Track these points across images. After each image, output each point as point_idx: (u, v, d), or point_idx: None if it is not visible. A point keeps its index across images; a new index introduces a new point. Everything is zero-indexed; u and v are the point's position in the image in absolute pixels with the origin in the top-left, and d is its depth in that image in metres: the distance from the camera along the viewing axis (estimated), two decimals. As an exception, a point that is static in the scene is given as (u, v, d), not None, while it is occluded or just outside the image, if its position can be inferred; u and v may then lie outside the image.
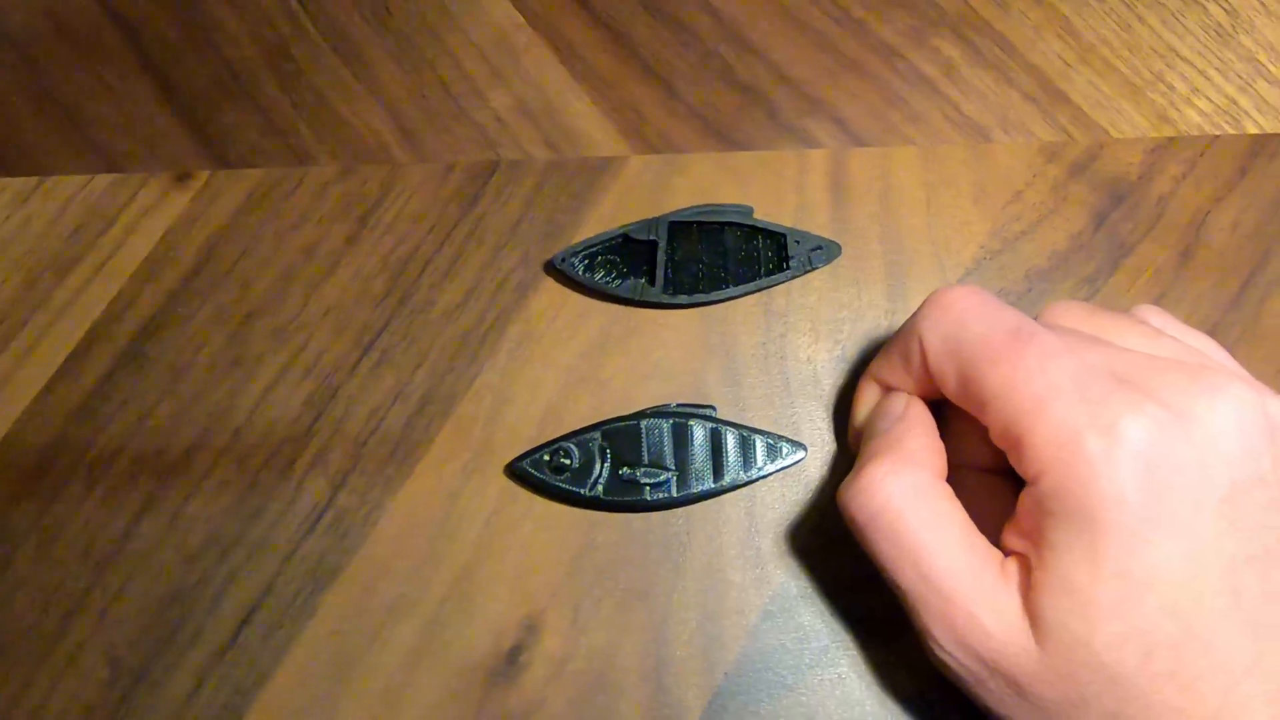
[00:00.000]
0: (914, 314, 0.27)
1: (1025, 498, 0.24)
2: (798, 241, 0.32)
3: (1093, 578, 0.22)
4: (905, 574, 0.24)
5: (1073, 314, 0.27)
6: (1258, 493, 0.23)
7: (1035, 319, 0.26)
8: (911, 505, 0.25)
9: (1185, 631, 0.22)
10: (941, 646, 0.24)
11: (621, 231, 0.32)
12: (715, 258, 0.33)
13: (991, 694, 0.24)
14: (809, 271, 0.32)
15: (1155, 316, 0.28)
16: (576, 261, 0.32)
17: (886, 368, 0.28)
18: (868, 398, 0.29)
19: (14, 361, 0.32)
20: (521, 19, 0.36)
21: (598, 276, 0.32)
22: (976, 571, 0.24)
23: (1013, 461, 0.24)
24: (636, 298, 0.32)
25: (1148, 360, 0.24)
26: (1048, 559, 0.23)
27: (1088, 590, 0.22)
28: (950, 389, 0.25)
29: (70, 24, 0.37)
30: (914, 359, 0.26)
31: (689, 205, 0.33)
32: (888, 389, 0.29)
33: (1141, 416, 0.22)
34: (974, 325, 0.25)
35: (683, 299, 0.32)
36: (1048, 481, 0.23)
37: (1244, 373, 0.26)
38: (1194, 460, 0.22)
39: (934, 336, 0.26)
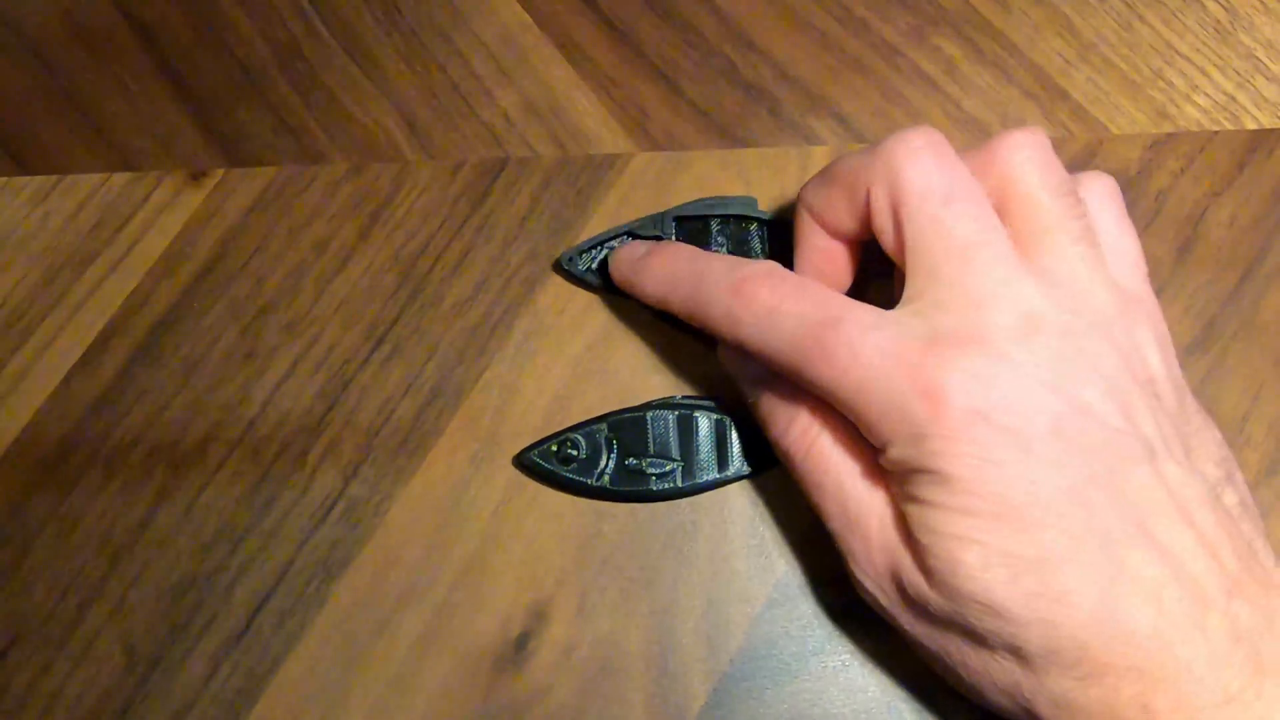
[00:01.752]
0: (718, 280, 0.27)
1: (881, 461, 0.25)
2: None
3: (945, 516, 0.23)
4: (823, 509, 0.27)
5: (1022, 152, 0.26)
6: (1085, 418, 0.23)
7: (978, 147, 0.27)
8: (824, 452, 0.27)
9: (1045, 553, 0.23)
10: (860, 569, 0.26)
11: (628, 228, 0.33)
12: (723, 251, 0.33)
13: (896, 611, 0.26)
14: None
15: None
16: (583, 259, 0.33)
17: (683, 312, 0.29)
18: (650, 291, 0.30)
19: (33, 355, 0.33)
20: (529, 19, 0.37)
21: (605, 274, 0.33)
22: (864, 505, 0.26)
23: (863, 432, 0.25)
24: None
25: (965, 300, 0.24)
26: (910, 510, 0.25)
27: (944, 527, 0.23)
28: (786, 375, 0.26)
29: (86, 25, 0.37)
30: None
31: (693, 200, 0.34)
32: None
33: (958, 367, 0.23)
34: (779, 323, 0.25)
35: None
36: (893, 451, 0.24)
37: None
38: (1016, 393, 0.23)
39: (751, 342, 0.26)
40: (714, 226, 0.33)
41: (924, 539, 0.24)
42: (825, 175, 0.28)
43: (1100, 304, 0.25)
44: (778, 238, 0.33)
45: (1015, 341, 0.24)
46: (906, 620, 0.26)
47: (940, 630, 0.25)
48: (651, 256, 0.30)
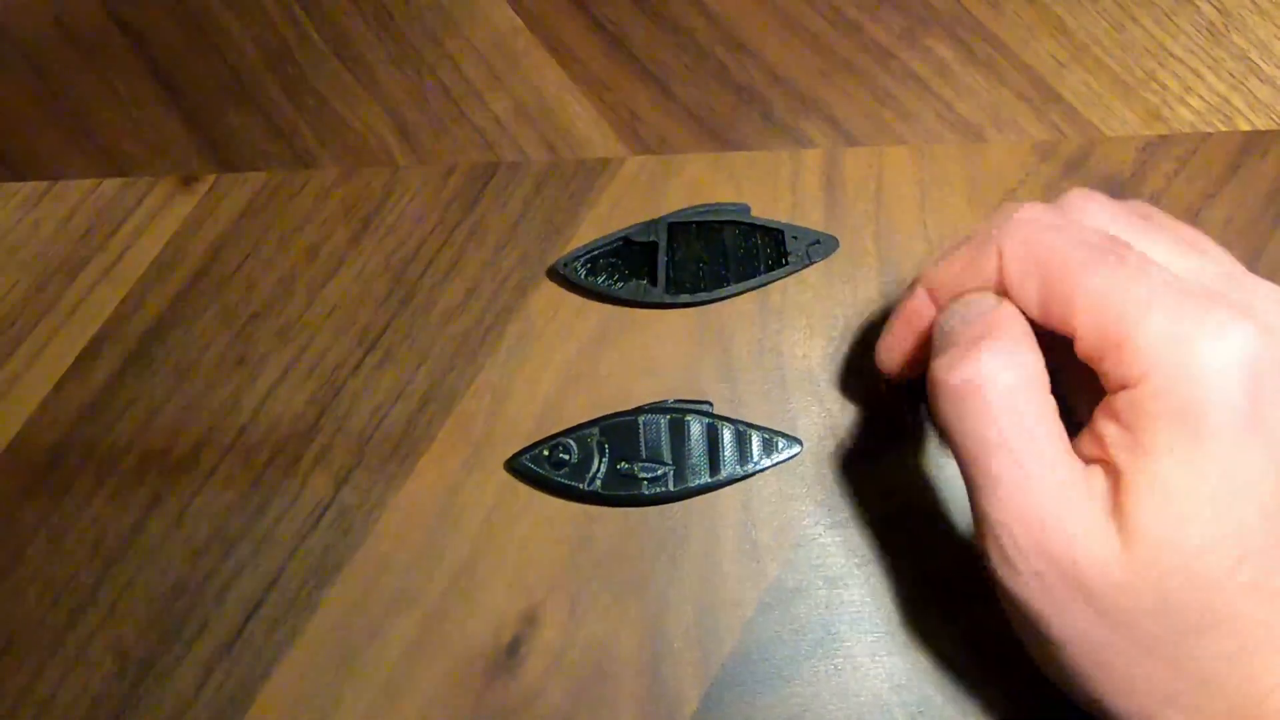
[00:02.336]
0: (983, 229, 0.25)
1: (1119, 401, 0.23)
2: (795, 237, 0.33)
3: (1192, 480, 0.22)
4: (997, 459, 0.23)
5: (1097, 211, 0.26)
6: None
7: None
8: (1022, 387, 0.23)
9: (1273, 544, 0.22)
10: (1018, 547, 0.23)
11: (621, 235, 0.33)
12: (715, 256, 0.33)
13: (1055, 606, 0.23)
14: (807, 266, 0.33)
15: (1156, 215, 0.27)
16: (578, 266, 0.33)
17: (946, 276, 0.26)
18: (919, 307, 0.27)
19: (25, 361, 0.33)
20: (520, 23, 0.37)
21: (599, 280, 0.33)
22: (1069, 470, 0.23)
23: (1108, 366, 0.23)
24: (639, 299, 0.33)
25: (1229, 274, 0.24)
26: (1144, 462, 0.22)
27: (1185, 492, 0.22)
28: (1030, 298, 0.24)
29: (77, 30, 0.37)
30: (985, 269, 0.25)
31: (684, 204, 0.34)
32: (941, 299, 0.27)
33: (1249, 325, 0.22)
34: (1063, 236, 0.24)
35: (684, 298, 0.33)
36: (1152, 383, 0.22)
37: None
38: None
39: (1015, 246, 0.24)
40: (708, 231, 0.33)
41: (1149, 500, 0.22)
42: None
43: None
44: (770, 243, 0.33)
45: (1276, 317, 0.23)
46: (1062, 614, 0.23)
47: (1127, 624, 0.22)
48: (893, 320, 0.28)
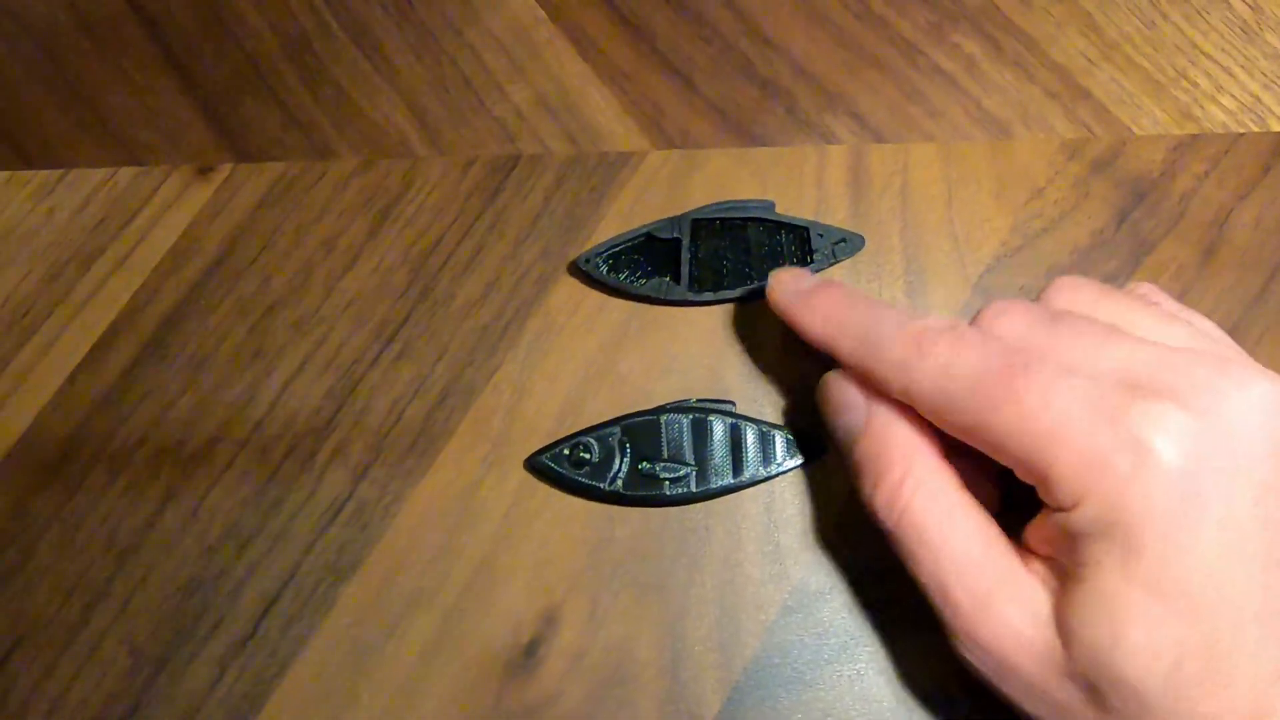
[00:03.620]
0: (892, 339, 0.25)
1: (1056, 519, 0.23)
2: (820, 235, 0.32)
3: (1123, 588, 0.22)
4: (931, 583, 0.25)
5: (1080, 294, 0.26)
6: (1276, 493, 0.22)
7: (1039, 297, 0.27)
8: (931, 511, 0.25)
9: (1214, 639, 0.22)
10: (968, 647, 0.24)
11: (644, 230, 0.32)
12: (739, 254, 0.32)
13: (1016, 691, 0.24)
14: (833, 264, 0.32)
15: (1154, 295, 0.27)
16: (600, 262, 0.32)
17: (850, 361, 0.27)
18: (813, 332, 0.28)
19: (38, 353, 0.33)
20: (542, 13, 0.36)
21: (622, 277, 0.32)
22: (1004, 571, 0.24)
23: (1041, 494, 0.23)
24: (662, 296, 0.32)
25: (1161, 356, 0.23)
26: (1081, 571, 0.23)
27: (1117, 600, 0.22)
28: (956, 433, 0.25)
29: (92, 17, 0.37)
30: (888, 392, 0.26)
31: (708, 200, 0.33)
32: (827, 350, 0.28)
33: (1166, 426, 0.22)
34: (962, 369, 0.24)
35: (708, 295, 0.32)
36: (1084, 509, 0.22)
37: (1253, 361, 0.25)
38: (1224, 464, 0.22)
39: (923, 393, 0.25)
40: (732, 228, 0.33)
41: (1085, 611, 0.22)
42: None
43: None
44: (794, 241, 0.32)
45: (1210, 394, 0.22)
46: (1026, 699, 0.24)
47: (1066, 713, 0.23)
48: (818, 295, 0.28)
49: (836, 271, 0.33)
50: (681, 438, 0.31)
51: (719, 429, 0.31)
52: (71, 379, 0.32)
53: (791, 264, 0.32)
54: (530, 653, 0.30)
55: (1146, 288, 0.28)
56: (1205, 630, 0.22)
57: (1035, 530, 0.24)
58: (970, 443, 0.24)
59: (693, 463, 0.30)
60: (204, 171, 0.34)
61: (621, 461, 0.30)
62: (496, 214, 0.34)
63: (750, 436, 0.31)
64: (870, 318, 0.26)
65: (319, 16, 0.36)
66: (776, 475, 0.31)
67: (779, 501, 0.31)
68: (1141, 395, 0.22)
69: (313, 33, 0.36)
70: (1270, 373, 0.24)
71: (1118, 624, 0.22)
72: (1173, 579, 0.22)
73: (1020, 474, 0.24)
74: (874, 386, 0.26)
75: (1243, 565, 0.22)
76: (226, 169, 0.34)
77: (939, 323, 0.25)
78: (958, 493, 0.25)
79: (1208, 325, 0.26)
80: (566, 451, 0.30)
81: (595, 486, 0.30)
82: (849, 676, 0.29)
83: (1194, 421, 0.22)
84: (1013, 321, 0.25)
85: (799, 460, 0.31)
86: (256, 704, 0.29)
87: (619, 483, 0.30)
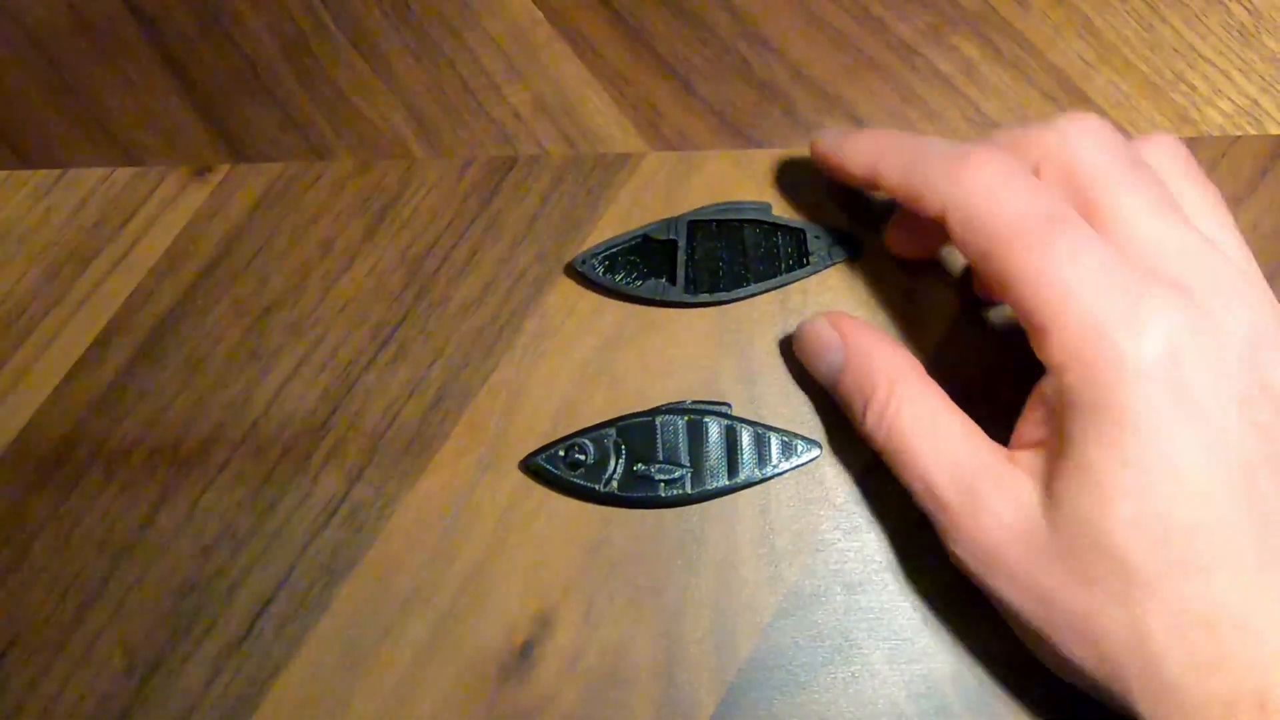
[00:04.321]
0: (939, 155, 0.26)
1: (1046, 386, 0.24)
2: (817, 237, 0.32)
3: (1112, 463, 0.22)
4: (921, 489, 0.26)
5: (1171, 159, 0.27)
6: (1269, 399, 0.23)
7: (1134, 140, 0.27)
8: (918, 420, 0.26)
9: (1198, 520, 0.22)
10: (958, 542, 0.25)
11: (641, 232, 0.32)
12: (736, 255, 0.32)
13: (1002, 582, 0.25)
14: (831, 265, 0.32)
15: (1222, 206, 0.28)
16: (597, 263, 0.32)
17: (893, 183, 0.28)
18: (857, 169, 0.29)
19: (34, 353, 0.33)
20: (540, 15, 0.36)
21: (618, 278, 0.32)
22: (990, 466, 0.25)
23: (1034, 346, 0.24)
24: (658, 298, 0.32)
25: (1200, 250, 0.24)
26: (1068, 448, 0.23)
27: (1106, 475, 0.23)
28: (971, 258, 0.26)
29: (90, 18, 0.37)
30: (928, 211, 0.26)
31: (705, 201, 0.33)
32: (873, 183, 0.29)
33: (1167, 308, 0.23)
34: (1006, 203, 0.25)
35: (704, 297, 0.32)
36: (1073, 372, 0.23)
37: (1260, 280, 0.26)
38: (1215, 352, 0.23)
39: (961, 209, 0.25)
40: (728, 230, 0.32)
41: (1073, 484, 0.23)
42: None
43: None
44: (791, 242, 0.32)
45: (1220, 298, 0.23)
46: (1012, 589, 0.25)
47: (1051, 599, 0.24)
48: (862, 134, 0.29)
49: (833, 274, 0.33)
50: (677, 439, 0.31)
51: (714, 431, 0.31)
52: (68, 379, 0.32)
53: (788, 266, 0.32)
54: (525, 654, 0.30)
55: (1160, 145, 0.28)
56: (1188, 513, 0.22)
57: (1024, 418, 0.25)
58: (982, 271, 0.25)
59: (688, 464, 0.30)
60: (201, 172, 0.34)
61: (617, 463, 0.30)
62: (493, 216, 0.34)
63: (745, 438, 0.31)
64: (918, 142, 0.28)
65: (317, 18, 0.36)
66: (772, 477, 0.31)
67: (774, 504, 0.31)
68: (1161, 282, 0.23)
69: (310, 34, 0.36)
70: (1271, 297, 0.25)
71: (1105, 496, 0.23)
72: (1160, 459, 0.22)
73: (1020, 317, 0.25)
74: (915, 207, 0.27)
75: (1225, 460, 0.22)
76: (224, 170, 0.34)
77: (990, 149, 0.26)
78: (940, 401, 0.27)
79: (1206, 208, 0.27)
80: (561, 453, 0.30)
81: (590, 488, 0.30)
82: (843, 679, 0.29)
83: (1196, 318, 0.23)
84: (1098, 144, 0.26)
85: (794, 462, 0.30)
86: (251, 705, 0.29)
87: (614, 484, 0.30)
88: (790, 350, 0.32)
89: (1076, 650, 0.24)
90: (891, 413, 0.27)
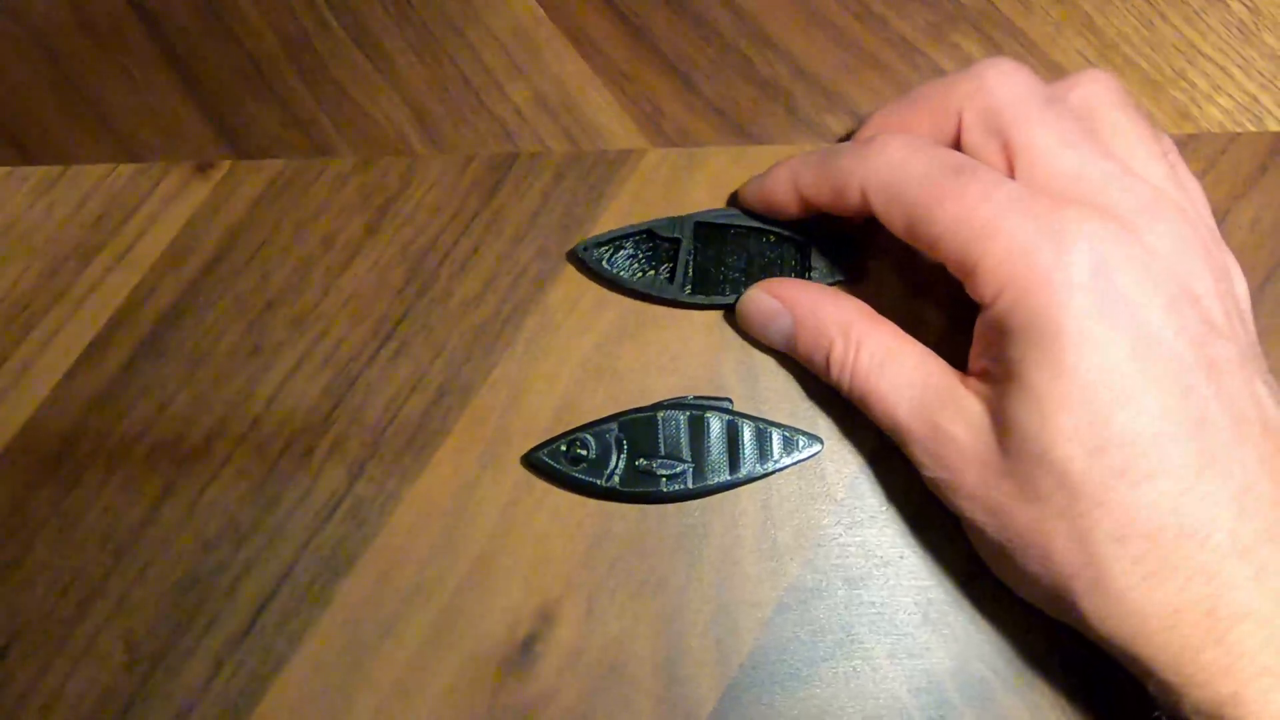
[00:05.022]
0: (846, 149, 0.28)
1: (983, 321, 0.25)
2: (822, 252, 0.32)
3: (1048, 378, 0.23)
4: (888, 423, 0.28)
5: (1101, 93, 0.28)
6: (1198, 309, 0.24)
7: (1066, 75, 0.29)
8: (875, 363, 0.28)
9: (1135, 429, 0.23)
10: (927, 467, 0.27)
11: (646, 226, 0.32)
12: (737, 262, 0.32)
13: (962, 499, 0.26)
14: (832, 284, 0.32)
15: (1168, 142, 0.29)
16: (599, 251, 0.32)
17: (814, 190, 0.29)
18: (782, 195, 0.30)
19: (36, 349, 0.33)
20: (541, 12, 0.36)
21: (619, 268, 0.32)
22: (946, 395, 0.26)
23: (970, 290, 0.25)
24: (654, 293, 0.32)
25: (1116, 174, 0.25)
26: (1009, 369, 0.24)
27: (1044, 390, 0.23)
28: (898, 230, 0.27)
29: (92, 14, 0.37)
30: (850, 199, 0.27)
31: (706, 198, 0.33)
32: (801, 200, 0.30)
33: (1088, 223, 0.23)
34: (914, 167, 0.26)
35: (700, 299, 0.32)
36: (1005, 298, 0.24)
37: (1203, 220, 0.27)
38: (1139, 262, 0.23)
39: (876, 184, 0.27)
40: (733, 236, 0.32)
41: (1016, 404, 0.24)
42: (905, 100, 0.29)
43: (1200, 206, 0.27)
44: (795, 255, 0.32)
45: (1141, 216, 0.24)
46: (972, 507, 0.26)
47: (1004, 514, 0.25)
48: (774, 168, 0.31)
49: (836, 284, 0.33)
50: (679, 434, 0.31)
51: (716, 426, 0.31)
52: (69, 375, 0.32)
53: (789, 278, 0.32)
54: (527, 649, 0.30)
55: (1168, 144, 0.29)
56: (1125, 421, 0.23)
57: (973, 349, 0.27)
58: (912, 240, 0.26)
59: (690, 459, 0.30)
60: (203, 168, 0.34)
61: (618, 458, 0.30)
62: (495, 212, 0.34)
63: (747, 434, 0.31)
64: (826, 149, 0.29)
65: (319, 14, 0.36)
66: (773, 472, 0.31)
67: (775, 498, 0.31)
68: (1078, 203, 0.24)
69: (312, 31, 0.36)
70: (1200, 223, 0.26)
71: (1044, 411, 0.23)
72: (1094, 370, 0.23)
73: (953, 269, 0.26)
74: (842, 205, 0.28)
75: (1159, 366, 0.23)
76: (225, 166, 0.34)
77: (893, 133, 0.27)
78: (893, 336, 0.28)
79: (1192, 184, 0.28)
80: (564, 448, 0.30)
81: (592, 483, 0.30)
82: (845, 674, 0.29)
83: (1116, 231, 0.23)
84: (1013, 85, 0.27)
85: (796, 457, 0.31)
86: (252, 700, 0.29)
87: (616, 479, 0.30)
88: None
89: (1030, 565, 0.25)
90: (850, 360, 0.28)
